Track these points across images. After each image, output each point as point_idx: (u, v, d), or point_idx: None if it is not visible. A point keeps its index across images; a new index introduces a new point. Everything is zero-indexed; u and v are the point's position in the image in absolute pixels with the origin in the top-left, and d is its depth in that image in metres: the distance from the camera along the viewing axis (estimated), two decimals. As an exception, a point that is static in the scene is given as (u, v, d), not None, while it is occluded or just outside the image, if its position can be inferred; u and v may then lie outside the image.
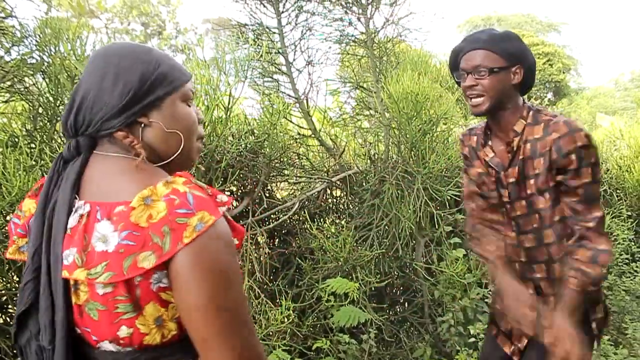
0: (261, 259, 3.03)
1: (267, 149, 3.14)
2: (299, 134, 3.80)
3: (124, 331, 0.92)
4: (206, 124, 2.62)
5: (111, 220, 0.90)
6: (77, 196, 0.95)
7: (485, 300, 3.83)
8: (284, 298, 2.84)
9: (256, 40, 3.78)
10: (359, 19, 3.99)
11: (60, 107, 2.68)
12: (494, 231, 1.89)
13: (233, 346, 0.90)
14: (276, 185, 3.66)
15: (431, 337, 3.64)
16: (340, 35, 4.10)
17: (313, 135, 3.75)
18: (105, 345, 0.95)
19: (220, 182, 2.82)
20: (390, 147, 3.84)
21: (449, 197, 3.80)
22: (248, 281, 2.88)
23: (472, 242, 1.94)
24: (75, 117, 0.97)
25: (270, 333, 2.79)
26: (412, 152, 3.72)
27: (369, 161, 3.76)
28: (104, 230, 0.89)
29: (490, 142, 1.81)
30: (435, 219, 3.72)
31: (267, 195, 3.37)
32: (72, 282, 0.92)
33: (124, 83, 0.96)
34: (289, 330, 2.85)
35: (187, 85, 1.05)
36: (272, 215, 3.28)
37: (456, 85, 4.96)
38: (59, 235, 0.93)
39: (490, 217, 1.90)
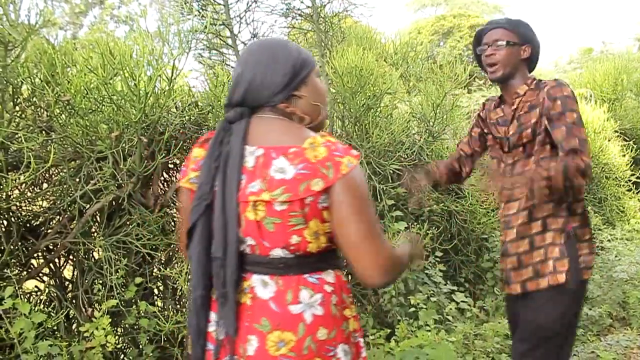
0: (205, 231, 3.02)
1: (211, 121, 3.11)
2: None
3: (294, 239, 1.26)
4: (148, 94, 2.57)
5: (287, 157, 1.25)
6: (246, 145, 1.29)
7: (426, 272, 3.96)
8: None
9: (200, 11, 3.72)
10: (305, -8, 3.98)
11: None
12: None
13: (375, 247, 1.27)
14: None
15: (373, 308, 3.74)
16: (287, 9, 4.08)
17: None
18: (276, 252, 1.28)
19: (164, 154, 2.79)
20: (334, 121, 3.87)
21: (391, 171, 3.88)
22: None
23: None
24: (244, 94, 1.32)
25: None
26: (356, 127, 3.76)
27: (313, 135, 3.78)
28: (281, 164, 1.24)
29: (502, 106, 2.24)
30: (379, 193, 3.80)
31: (211, 168, 3.34)
32: (251, 204, 1.25)
33: (284, 67, 1.33)
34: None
35: (316, 64, 1.42)
36: (216, 188, 3.26)
37: (400, 63, 5.04)
38: (233, 174, 1.26)
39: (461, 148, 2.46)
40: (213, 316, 1.33)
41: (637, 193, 7.35)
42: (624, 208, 7.04)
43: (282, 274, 1.29)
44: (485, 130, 2.34)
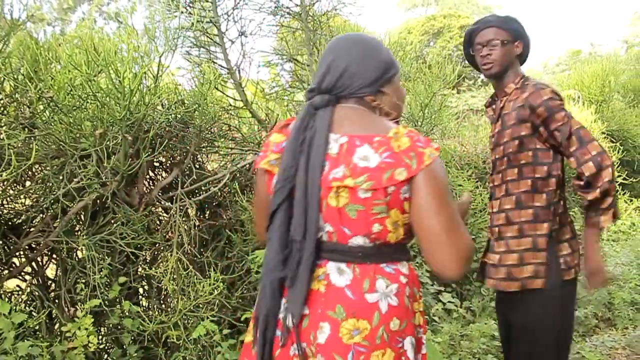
0: (190, 230, 3.00)
1: (198, 120, 3.09)
2: (230, 105, 3.75)
3: (376, 227, 1.28)
4: (133, 92, 2.54)
5: (371, 146, 1.27)
6: (330, 132, 1.31)
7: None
8: (213, 270, 2.82)
9: (188, 8, 3.68)
10: (294, -10, 3.95)
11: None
12: None
13: (456, 239, 1.26)
14: (206, 156, 3.60)
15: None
16: (275, 7, 4.05)
17: (245, 107, 3.71)
18: (356, 240, 1.29)
19: (149, 153, 2.75)
20: (322, 121, 3.84)
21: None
22: (177, 253, 2.84)
23: None
24: (335, 81, 1.36)
25: (200, 305, 2.78)
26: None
27: (301, 134, 3.76)
28: (365, 152, 1.27)
29: (493, 105, 2.29)
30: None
31: (197, 166, 3.31)
32: (334, 190, 1.27)
33: (377, 62, 1.39)
34: (217, 301, 2.85)
35: (399, 69, 1.46)
36: (202, 187, 3.24)
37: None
38: (317, 159, 1.28)
39: None
40: (282, 301, 1.33)
41: (623, 194, 7.40)
42: (610, 209, 7.07)
43: (360, 262, 1.30)
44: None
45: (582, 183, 2.01)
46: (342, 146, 1.29)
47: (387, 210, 1.26)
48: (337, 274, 1.29)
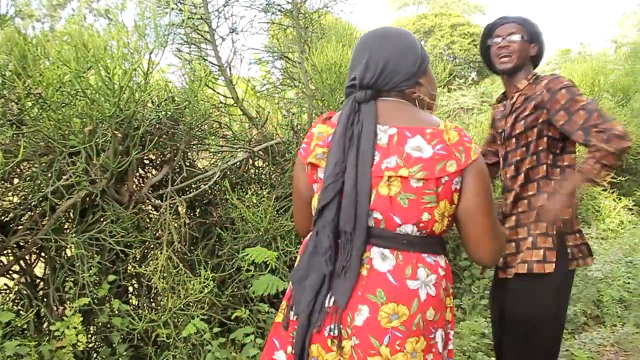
0: (181, 228, 2.98)
1: (188, 117, 3.07)
2: (221, 102, 3.73)
3: (425, 216, 1.32)
4: (123, 88, 2.52)
5: (424, 137, 1.31)
6: (377, 124, 1.35)
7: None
8: (203, 268, 2.81)
9: (178, 5, 3.65)
10: (285, -13, 3.94)
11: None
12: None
13: (496, 232, 1.38)
14: (197, 154, 3.59)
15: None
16: (266, 4, 4.03)
17: (236, 105, 3.69)
18: (405, 228, 1.32)
19: (138, 150, 2.74)
20: (313, 118, 3.84)
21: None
22: (167, 251, 2.82)
23: None
24: (377, 78, 1.39)
25: (190, 303, 2.77)
26: (336, 124, 3.73)
27: (291, 132, 3.76)
28: (417, 143, 1.31)
29: (504, 102, 2.32)
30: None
31: (188, 164, 3.29)
32: (385, 179, 1.31)
33: (414, 55, 1.42)
34: (208, 300, 2.84)
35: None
36: (192, 185, 3.22)
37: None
38: (367, 150, 1.32)
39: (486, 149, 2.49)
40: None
41: (612, 193, 7.45)
42: (599, 207, 7.13)
43: (403, 250, 1.33)
44: (492, 131, 2.43)
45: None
46: (392, 137, 1.33)
47: (437, 201, 1.31)
48: (380, 259, 1.32)
